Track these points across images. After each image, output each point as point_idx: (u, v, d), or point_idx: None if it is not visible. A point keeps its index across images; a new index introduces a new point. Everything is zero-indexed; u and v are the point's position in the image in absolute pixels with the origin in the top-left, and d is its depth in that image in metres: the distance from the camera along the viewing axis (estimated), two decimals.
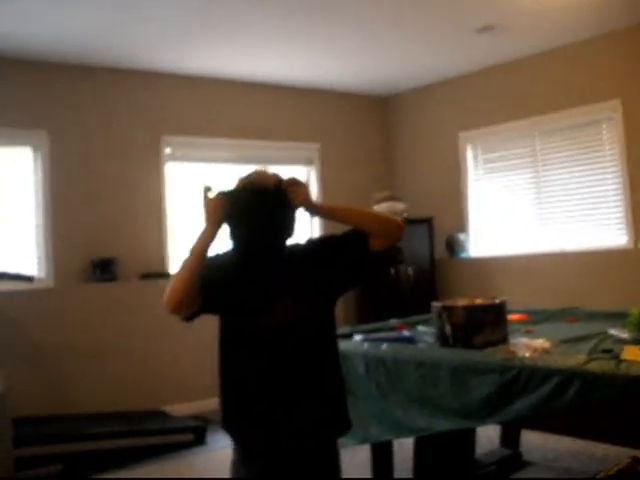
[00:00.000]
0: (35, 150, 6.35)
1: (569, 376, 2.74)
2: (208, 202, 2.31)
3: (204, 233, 2.30)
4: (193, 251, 2.27)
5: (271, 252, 2.41)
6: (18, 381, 5.49)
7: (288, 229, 2.40)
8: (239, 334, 2.38)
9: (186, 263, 2.26)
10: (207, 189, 2.33)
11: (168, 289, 2.25)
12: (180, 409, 6.51)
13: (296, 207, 2.36)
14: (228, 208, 2.30)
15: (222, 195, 2.32)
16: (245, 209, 2.32)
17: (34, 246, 6.31)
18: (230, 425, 2.40)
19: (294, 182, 2.35)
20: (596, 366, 2.74)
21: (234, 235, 2.38)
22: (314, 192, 8.03)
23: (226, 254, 2.45)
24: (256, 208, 2.33)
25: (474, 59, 7.24)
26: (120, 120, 6.79)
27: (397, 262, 7.04)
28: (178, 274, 2.26)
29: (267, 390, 2.34)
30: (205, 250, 2.28)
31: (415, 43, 6.59)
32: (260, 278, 2.38)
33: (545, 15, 5.94)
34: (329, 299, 2.45)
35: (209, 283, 2.29)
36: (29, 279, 5.74)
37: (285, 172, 2.40)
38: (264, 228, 2.35)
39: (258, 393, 2.35)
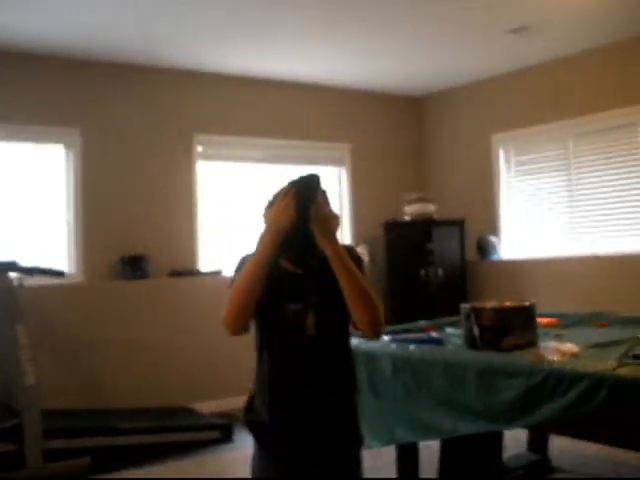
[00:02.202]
0: (67, 147, 6.42)
1: (598, 381, 2.71)
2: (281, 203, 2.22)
3: (260, 250, 2.22)
4: (252, 264, 2.20)
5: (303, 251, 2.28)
6: (48, 375, 5.55)
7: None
8: (273, 348, 2.37)
9: (244, 280, 2.19)
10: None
11: (226, 310, 2.19)
12: (207, 406, 6.53)
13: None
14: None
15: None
16: None
17: (65, 242, 6.38)
18: (253, 424, 2.42)
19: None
20: (626, 371, 2.70)
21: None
22: (345, 194, 8.04)
23: None
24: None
25: (507, 60, 7.18)
26: (152, 118, 6.84)
27: None
28: (236, 293, 2.18)
29: (294, 393, 2.35)
30: (267, 263, 2.19)
31: (448, 44, 6.56)
32: (293, 288, 2.33)
33: (579, 16, 5.88)
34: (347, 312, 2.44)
35: None
36: (60, 274, 5.79)
37: (317, 171, 2.34)
38: (300, 239, 2.22)
39: (284, 395, 2.36)
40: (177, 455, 5.39)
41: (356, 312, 2.24)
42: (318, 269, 2.30)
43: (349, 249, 2.36)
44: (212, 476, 4.96)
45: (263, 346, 2.40)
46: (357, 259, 2.35)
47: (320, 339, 2.32)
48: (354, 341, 2.56)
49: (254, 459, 2.44)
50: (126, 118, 6.70)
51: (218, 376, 6.72)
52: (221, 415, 6.25)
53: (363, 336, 2.34)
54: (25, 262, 5.56)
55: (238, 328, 2.22)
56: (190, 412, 6.29)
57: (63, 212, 6.39)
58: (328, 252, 2.21)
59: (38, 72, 6.25)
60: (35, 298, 5.79)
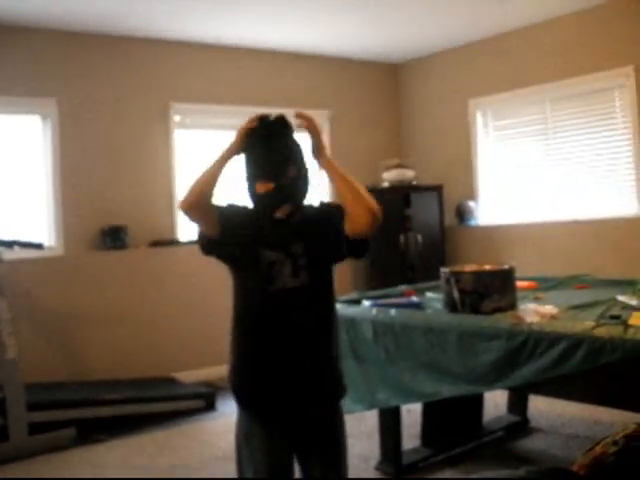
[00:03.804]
0: (44, 118, 6.33)
1: (577, 341, 2.75)
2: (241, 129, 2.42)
3: (227, 147, 2.42)
4: (214, 161, 2.40)
5: (281, 193, 2.39)
6: (30, 348, 5.54)
7: (294, 161, 2.42)
8: (248, 297, 2.40)
9: (205, 170, 2.40)
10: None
11: (185, 195, 2.40)
12: (190, 376, 6.54)
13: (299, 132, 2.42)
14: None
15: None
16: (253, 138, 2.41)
17: (44, 214, 6.33)
18: (236, 388, 2.43)
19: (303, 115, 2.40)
20: (604, 331, 2.75)
21: (246, 173, 2.46)
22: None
23: (244, 207, 2.52)
24: (262, 137, 2.40)
25: (485, 25, 7.15)
26: (129, 88, 6.76)
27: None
28: (197, 178, 2.40)
29: (274, 353, 2.36)
30: (225, 160, 2.40)
31: (426, 9, 6.50)
32: (272, 237, 2.39)
33: None
34: (329, 266, 2.46)
35: (227, 220, 2.40)
36: (39, 246, 5.75)
37: (295, 138, 2.45)
38: (269, 156, 2.39)
39: (265, 356, 2.37)
40: (161, 425, 5.42)
41: (353, 205, 2.32)
42: (301, 219, 2.39)
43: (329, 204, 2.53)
44: (197, 445, 4.99)
45: (236, 301, 2.42)
46: (339, 207, 2.41)
47: (297, 290, 2.34)
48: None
49: (238, 425, 2.46)
50: (103, 88, 6.61)
51: (200, 345, 6.73)
52: (204, 384, 6.28)
53: (362, 233, 2.38)
54: (4, 235, 5.53)
55: (190, 209, 2.41)
56: (173, 382, 6.31)
57: (41, 184, 6.32)
58: (322, 161, 2.40)
59: (13, 43, 6.13)
60: (15, 271, 5.74)
